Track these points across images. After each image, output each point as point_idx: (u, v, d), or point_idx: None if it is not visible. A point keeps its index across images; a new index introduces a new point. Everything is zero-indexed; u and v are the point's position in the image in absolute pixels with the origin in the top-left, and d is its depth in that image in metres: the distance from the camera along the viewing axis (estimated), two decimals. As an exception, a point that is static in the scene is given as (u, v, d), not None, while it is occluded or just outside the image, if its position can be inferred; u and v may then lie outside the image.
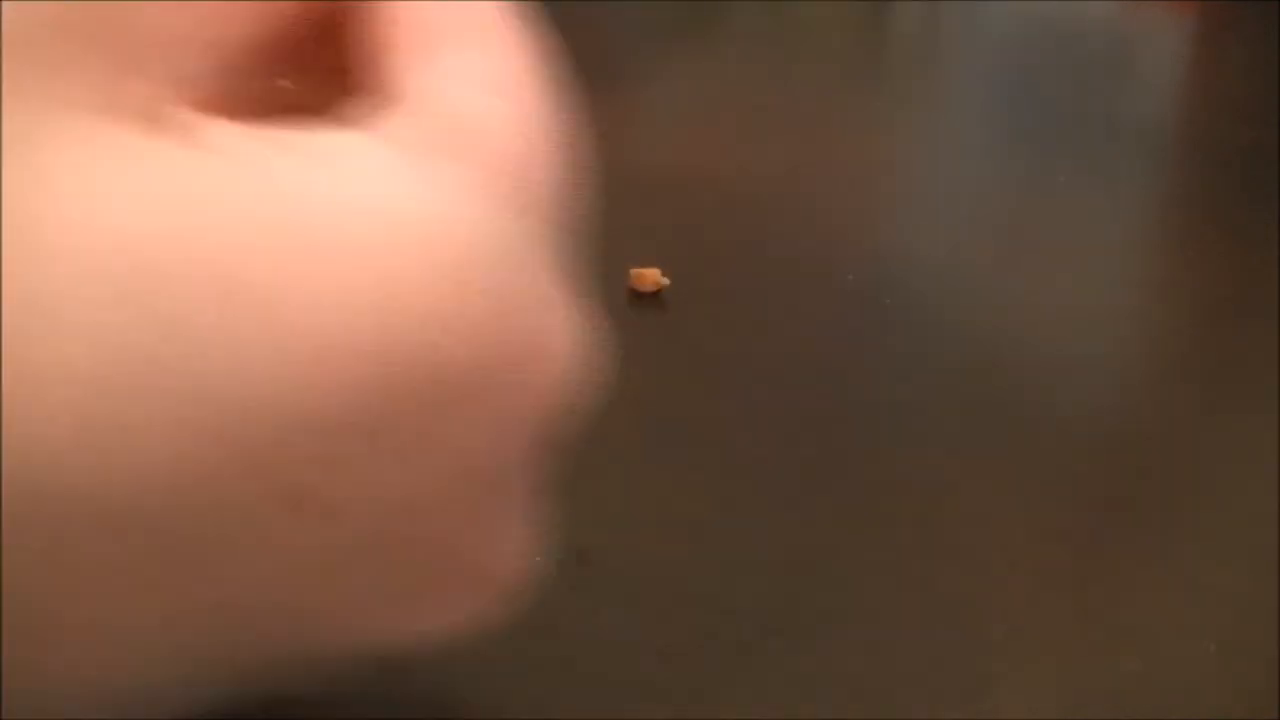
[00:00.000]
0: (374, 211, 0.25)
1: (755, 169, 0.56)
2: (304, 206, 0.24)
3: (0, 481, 0.22)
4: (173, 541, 0.23)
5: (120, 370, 0.22)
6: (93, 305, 0.22)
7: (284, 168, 0.25)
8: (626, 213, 0.53)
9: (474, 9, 0.31)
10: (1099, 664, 0.36)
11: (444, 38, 0.32)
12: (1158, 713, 0.34)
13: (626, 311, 0.49)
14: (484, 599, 0.28)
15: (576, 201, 0.30)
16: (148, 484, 0.22)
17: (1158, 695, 0.35)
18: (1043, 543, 0.39)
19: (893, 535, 0.40)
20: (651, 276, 0.48)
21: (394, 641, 0.28)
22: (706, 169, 0.56)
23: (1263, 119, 0.61)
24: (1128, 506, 0.41)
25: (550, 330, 0.26)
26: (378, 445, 0.24)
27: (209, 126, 0.25)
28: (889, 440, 0.43)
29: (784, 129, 0.59)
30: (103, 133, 0.24)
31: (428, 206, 0.25)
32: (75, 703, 0.25)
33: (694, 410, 0.44)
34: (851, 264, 0.50)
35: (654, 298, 0.49)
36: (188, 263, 0.23)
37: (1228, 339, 0.48)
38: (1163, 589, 0.38)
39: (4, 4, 0.25)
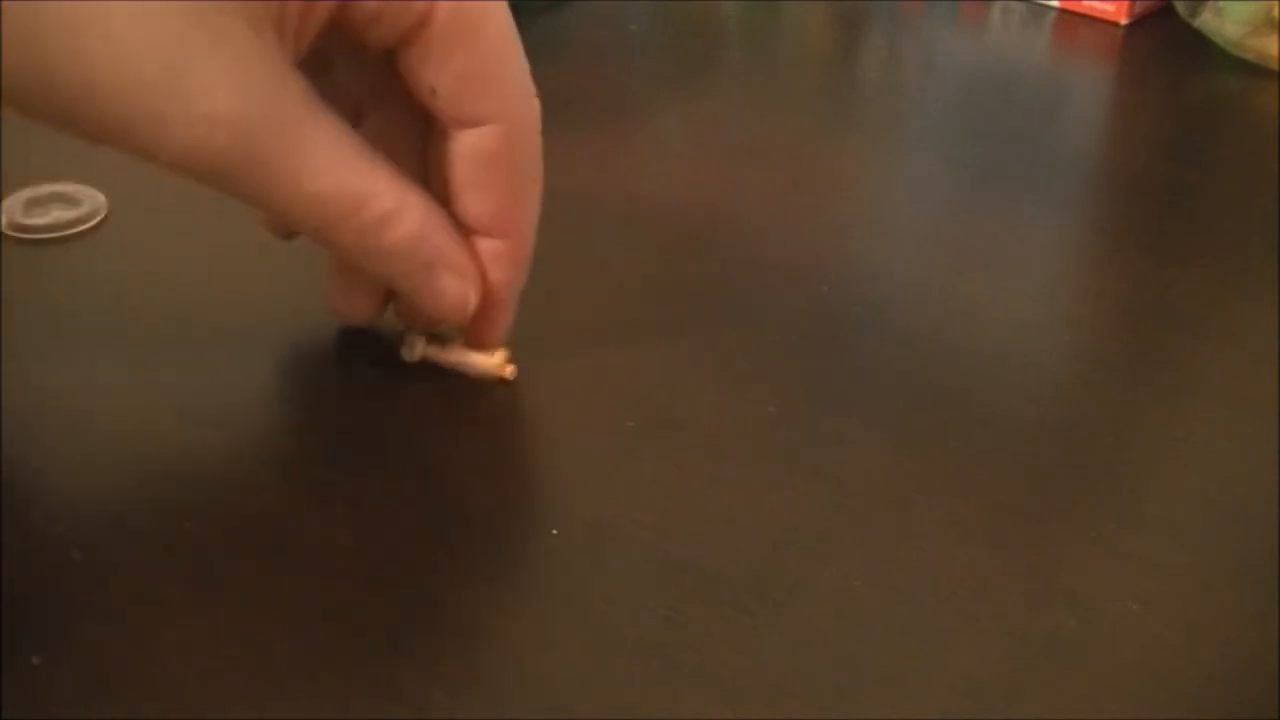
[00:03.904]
0: None
1: (743, 194, 0.58)
2: None
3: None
4: None
5: None
6: None
7: None
8: (626, 231, 0.55)
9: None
10: (1038, 618, 0.39)
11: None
12: (1089, 660, 0.38)
13: (627, 309, 0.50)
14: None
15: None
16: None
17: (1088, 644, 0.38)
18: (991, 517, 0.42)
19: (863, 512, 0.42)
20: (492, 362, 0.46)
21: None
22: (700, 194, 0.58)
23: (1176, 154, 0.63)
24: (1061, 486, 0.44)
25: None
26: None
27: None
28: (860, 429, 0.45)
29: (768, 160, 0.60)
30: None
31: None
32: None
33: (692, 403, 0.46)
34: (826, 276, 0.52)
35: (655, 297, 0.50)
36: None
37: (1148, 343, 0.50)
38: (1092, 557, 0.41)
39: None
